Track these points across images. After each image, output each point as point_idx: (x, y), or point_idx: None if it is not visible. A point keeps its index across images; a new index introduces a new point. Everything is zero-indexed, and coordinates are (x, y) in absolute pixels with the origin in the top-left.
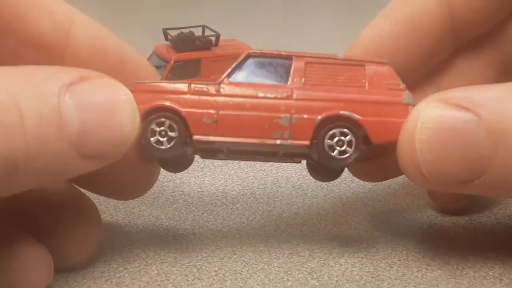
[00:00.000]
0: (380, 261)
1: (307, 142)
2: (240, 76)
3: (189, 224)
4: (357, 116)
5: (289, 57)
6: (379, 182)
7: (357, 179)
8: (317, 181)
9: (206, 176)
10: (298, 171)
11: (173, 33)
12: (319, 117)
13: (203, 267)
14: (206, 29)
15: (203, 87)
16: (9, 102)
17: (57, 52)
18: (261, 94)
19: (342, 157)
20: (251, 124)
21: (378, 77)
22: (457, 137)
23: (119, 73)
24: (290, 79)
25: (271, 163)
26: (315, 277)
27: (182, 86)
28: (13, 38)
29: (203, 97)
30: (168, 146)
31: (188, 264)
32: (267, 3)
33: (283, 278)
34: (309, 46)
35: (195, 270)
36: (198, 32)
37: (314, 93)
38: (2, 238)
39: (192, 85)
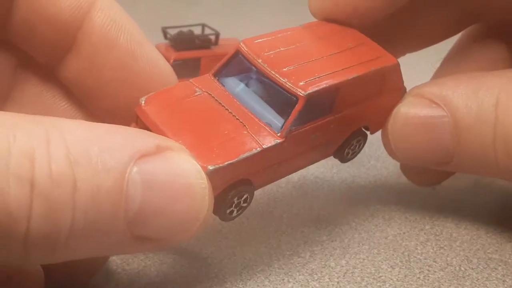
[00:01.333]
0: (382, 262)
1: (331, 155)
2: (300, 120)
3: None
4: (370, 123)
5: (337, 87)
6: (380, 183)
7: (357, 180)
8: (317, 181)
9: None
10: (298, 171)
11: (173, 31)
12: (346, 136)
13: (203, 269)
14: (206, 28)
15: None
16: (65, 174)
17: (70, 32)
18: (313, 135)
19: (352, 156)
20: (301, 160)
21: (392, 82)
22: (424, 130)
23: (126, 67)
24: (334, 108)
25: None
26: (316, 278)
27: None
28: (28, 6)
29: (271, 155)
30: (237, 214)
31: (187, 266)
32: (267, 3)
33: (283, 279)
34: None
35: (195, 271)
36: (197, 31)
37: (348, 115)
38: None
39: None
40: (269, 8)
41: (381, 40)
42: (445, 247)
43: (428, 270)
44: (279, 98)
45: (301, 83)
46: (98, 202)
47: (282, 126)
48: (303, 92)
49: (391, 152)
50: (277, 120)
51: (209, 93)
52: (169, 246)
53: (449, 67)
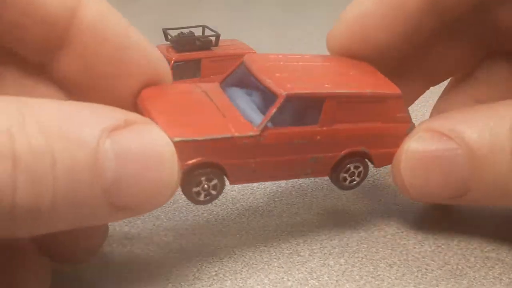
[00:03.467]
0: (380, 261)
1: (326, 175)
2: (277, 121)
3: (189, 224)
4: (370, 151)
5: (322, 98)
6: (378, 183)
7: None
8: (316, 181)
9: None
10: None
11: (173, 33)
12: (342, 153)
13: (203, 267)
14: (206, 29)
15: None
16: (43, 148)
17: (60, 29)
18: (296, 141)
19: (350, 184)
20: (284, 168)
21: (393, 111)
22: (438, 164)
23: (117, 60)
24: (320, 119)
25: None
26: (315, 277)
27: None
28: (17, 8)
29: (244, 147)
30: (204, 199)
31: (188, 264)
32: (267, 3)
33: (283, 278)
34: (309, 46)
35: (195, 270)
36: (198, 32)
37: (339, 131)
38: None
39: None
40: (269, 10)
41: (400, 75)
42: (442, 246)
43: (426, 269)
44: (263, 98)
45: (284, 85)
46: (75, 173)
47: (260, 121)
48: (282, 91)
49: (404, 190)
50: (258, 118)
51: (205, 92)
52: (144, 213)
53: (457, 93)
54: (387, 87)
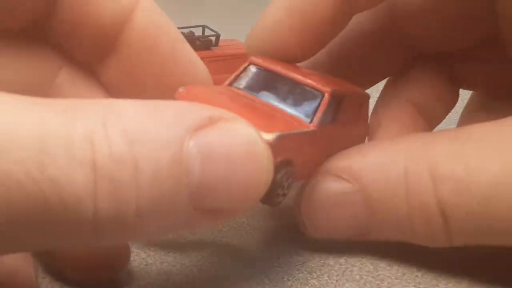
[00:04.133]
0: (380, 260)
1: None
2: (326, 118)
3: None
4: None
5: (342, 97)
6: None
7: None
8: None
9: None
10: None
11: None
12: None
13: (203, 268)
14: (206, 29)
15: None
16: (125, 154)
17: (112, 35)
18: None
19: None
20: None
21: (366, 112)
22: (337, 207)
23: (166, 69)
24: (339, 118)
25: None
26: (315, 276)
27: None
28: (73, 11)
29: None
30: (280, 200)
31: (188, 264)
32: (267, 3)
33: (283, 277)
34: None
35: (195, 270)
36: (198, 32)
37: (347, 127)
38: None
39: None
40: None
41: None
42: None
43: (426, 269)
44: (299, 96)
45: (322, 83)
46: (159, 178)
47: (312, 118)
48: (327, 89)
49: (305, 229)
50: (301, 114)
51: (235, 92)
52: (233, 216)
53: (391, 95)
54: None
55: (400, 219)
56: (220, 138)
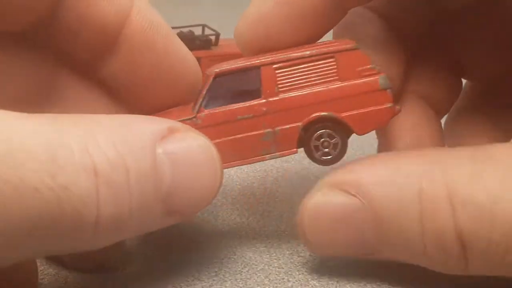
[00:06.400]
0: (381, 261)
1: (294, 150)
2: (214, 101)
3: (189, 224)
4: (338, 114)
5: (256, 67)
6: None
7: None
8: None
9: None
10: (298, 171)
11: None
12: (301, 123)
13: (203, 268)
14: (206, 29)
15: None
16: (118, 160)
17: (112, 35)
18: (239, 117)
19: (324, 158)
20: (236, 148)
21: (350, 65)
22: (342, 224)
23: (162, 66)
24: (263, 91)
25: (271, 163)
26: (315, 277)
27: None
28: (74, 13)
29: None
30: None
31: (188, 265)
32: None
33: (283, 278)
34: None
35: (195, 270)
36: (198, 31)
37: (290, 100)
38: None
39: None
40: None
41: None
42: None
43: (427, 269)
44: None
45: (215, 68)
46: (143, 183)
47: (199, 104)
48: (211, 71)
49: (309, 246)
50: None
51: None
52: (190, 217)
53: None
54: (337, 44)
55: (412, 242)
56: (181, 146)
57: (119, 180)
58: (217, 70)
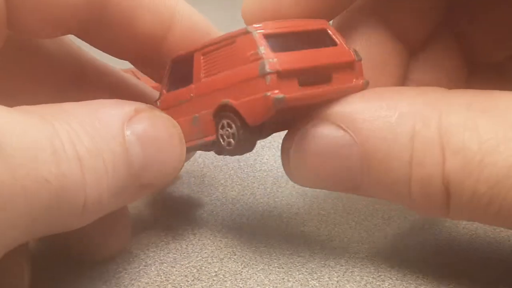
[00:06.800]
0: (381, 261)
1: (213, 136)
2: (172, 85)
3: (189, 224)
4: (233, 102)
5: (191, 53)
6: None
7: None
8: None
9: (206, 176)
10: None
11: None
12: (212, 110)
13: (203, 268)
14: None
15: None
16: (94, 147)
17: (154, 45)
18: (180, 101)
19: (228, 148)
20: (184, 133)
21: (244, 50)
22: (329, 157)
23: None
24: (194, 76)
25: (271, 162)
26: (315, 277)
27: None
28: (116, 28)
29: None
30: None
31: (187, 265)
32: None
33: (283, 278)
34: None
35: (195, 270)
36: None
37: (205, 85)
38: None
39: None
40: None
41: None
42: (443, 247)
43: (427, 270)
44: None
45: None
46: (117, 165)
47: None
48: (169, 58)
49: (290, 173)
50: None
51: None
52: (161, 187)
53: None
54: (237, 31)
55: (398, 183)
56: (147, 125)
57: (98, 165)
58: (174, 56)
